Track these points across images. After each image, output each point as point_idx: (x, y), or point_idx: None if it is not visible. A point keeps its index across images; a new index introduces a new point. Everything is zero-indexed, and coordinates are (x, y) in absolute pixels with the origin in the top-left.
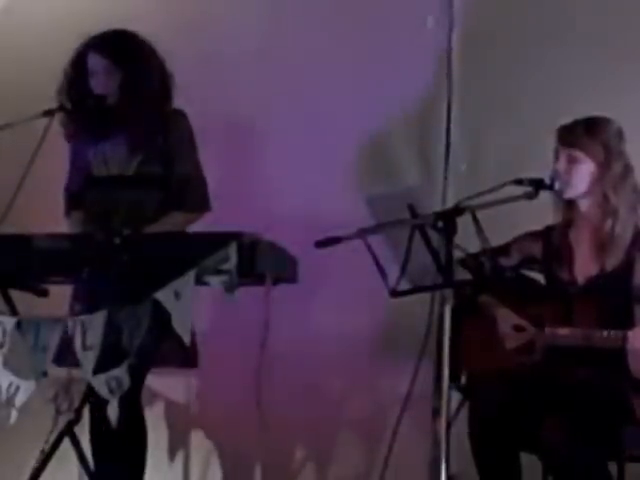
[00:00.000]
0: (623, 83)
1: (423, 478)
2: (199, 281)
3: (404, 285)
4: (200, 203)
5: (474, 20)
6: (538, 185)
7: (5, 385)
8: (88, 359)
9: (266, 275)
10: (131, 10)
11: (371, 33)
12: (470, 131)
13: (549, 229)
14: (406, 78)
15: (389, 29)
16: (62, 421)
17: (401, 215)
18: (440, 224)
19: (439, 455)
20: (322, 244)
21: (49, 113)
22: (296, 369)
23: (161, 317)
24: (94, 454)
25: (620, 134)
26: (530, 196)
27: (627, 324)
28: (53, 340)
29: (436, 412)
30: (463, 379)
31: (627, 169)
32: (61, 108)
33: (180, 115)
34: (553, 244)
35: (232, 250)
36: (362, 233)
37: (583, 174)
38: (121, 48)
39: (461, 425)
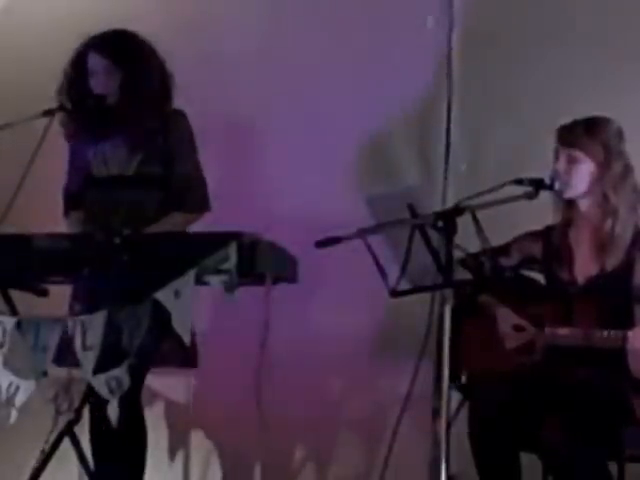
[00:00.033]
0: (623, 83)
1: (423, 478)
2: (199, 281)
3: (404, 285)
4: (200, 203)
5: (474, 20)
6: (538, 185)
7: (5, 385)
8: (88, 359)
9: (266, 275)
10: (131, 10)
11: (371, 33)
12: (470, 131)
13: (549, 229)
14: (406, 78)
15: (389, 29)
16: (62, 421)
17: (401, 215)
18: (440, 224)
19: (439, 455)
20: (322, 244)
21: (49, 113)
22: (296, 369)
23: (161, 317)
24: (94, 454)
25: (620, 134)
26: (530, 196)
27: (627, 324)
28: (53, 340)
29: (436, 412)
30: (463, 379)
31: (627, 169)
32: (61, 108)
33: (180, 115)
34: (553, 244)
35: (232, 250)
36: (362, 233)
37: (583, 174)
38: (121, 48)
39: (461, 425)
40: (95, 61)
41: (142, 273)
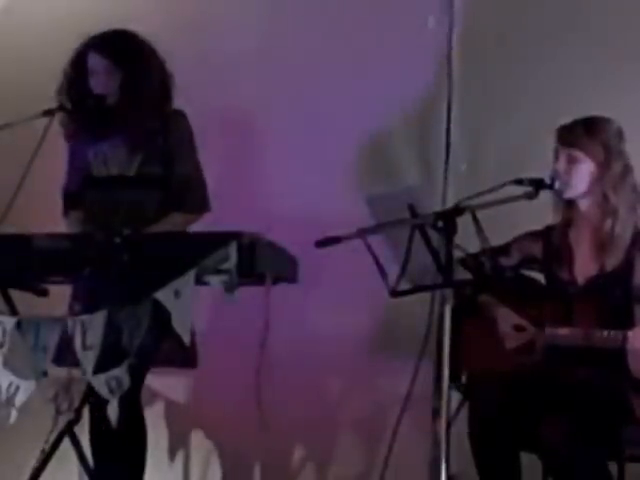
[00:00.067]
0: (623, 83)
1: (423, 478)
2: (199, 281)
3: (404, 285)
4: (200, 204)
5: (474, 20)
6: (538, 185)
7: (5, 385)
8: (88, 359)
9: (266, 275)
10: (131, 10)
11: (371, 33)
12: (470, 131)
13: (549, 229)
14: (406, 78)
15: (389, 29)
16: (62, 421)
17: (401, 215)
18: (440, 224)
19: (439, 455)
20: (322, 244)
21: (49, 113)
22: (296, 369)
23: (161, 317)
24: (94, 454)
25: (620, 134)
26: (530, 196)
27: (627, 324)
28: (53, 340)
29: (436, 412)
30: (463, 379)
31: (627, 169)
32: (61, 108)
33: (180, 115)
34: (553, 244)
35: (232, 250)
36: (362, 233)
37: (583, 174)
38: (121, 48)
39: (461, 425)
40: (95, 61)
41: (142, 273)
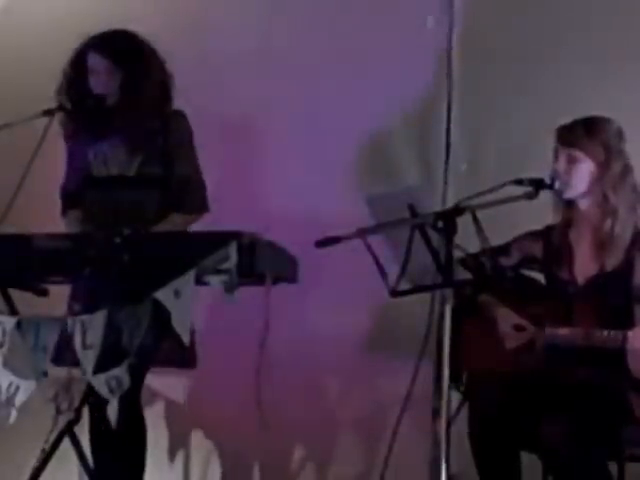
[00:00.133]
0: (623, 83)
1: (423, 478)
2: (199, 281)
3: (404, 285)
4: (199, 204)
5: (474, 20)
6: (538, 185)
7: (5, 385)
8: (88, 358)
9: (266, 275)
10: (131, 10)
11: (371, 33)
12: (470, 131)
13: (549, 229)
14: (406, 78)
15: (389, 29)
16: (62, 421)
17: (401, 215)
18: (440, 224)
19: (439, 455)
20: (322, 244)
21: (49, 113)
22: (296, 369)
23: (161, 317)
24: (94, 454)
25: (620, 134)
26: (530, 196)
27: (627, 324)
28: (53, 340)
29: (436, 412)
30: (463, 379)
31: (627, 169)
32: (61, 108)
33: (180, 116)
34: (553, 244)
35: (232, 250)
36: (362, 233)
37: (583, 174)
38: (121, 48)
39: (461, 425)
40: (95, 61)
41: (142, 273)
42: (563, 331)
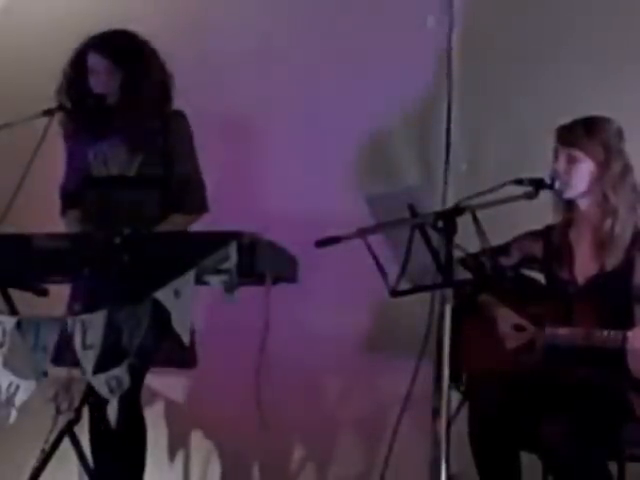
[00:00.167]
0: (623, 83)
1: (423, 478)
2: (199, 281)
3: (404, 285)
4: (199, 204)
5: (474, 20)
6: (538, 185)
7: (5, 385)
8: (88, 358)
9: (266, 275)
10: (131, 10)
11: (371, 33)
12: (470, 131)
13: (549, 228)
14: (406, 78)
15: (389, 29)
16: (62, 420)
17: (401, 215)
18: (440, 224)
19: (439, 455)
20: (322, 244)
21: (49, 113)
22: (296, 369)
23: (161, 317)
24: (94, 454)
25: (620, 133)
26: (530, 196)
27: (627, 324)
28: (53, 340)
29: (436, 412)
30: (463, 379)
31: (626, 168)
32: (61, 108)
33: (180, 116)
34: (553, 244)
35: (232, 249)
36: (362, 233)
37: (583, 174)
38: (121, 48)
39: (461, 425)
40: (95, 61)
41: (142, 273)
42: (563, 331)
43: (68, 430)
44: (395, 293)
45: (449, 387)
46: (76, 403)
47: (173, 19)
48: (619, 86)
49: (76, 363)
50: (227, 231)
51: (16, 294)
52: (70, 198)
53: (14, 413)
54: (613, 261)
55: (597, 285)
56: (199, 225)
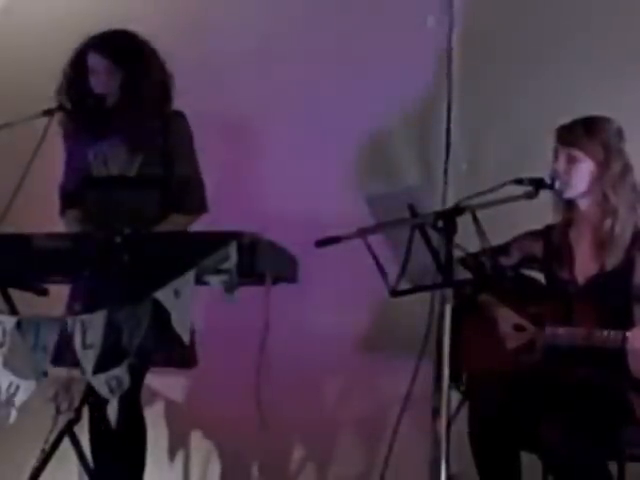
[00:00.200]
0: (623, 83)
1: (423, 478)
2: (199, 281)
3: (404, 285)
4: (198, 205)
5: (474, 20)
6: (538, 185)
7: (5, 385)
8: (88, 358)
9: (266, 275)
10: (131, 10)
11: (371, 33)
12: (470, 131)
13: (549, 228)
14: (406, 78)
15: (389, 29)
16: (62, 420)
17: (401, 215)
18: (440, 224)
19: (439, 455)
20: (322, 243)
21: (49, 113)
22: (296, 369)
23: (161, 317)
24: (94, 454)
25: (619, 133)
26: (530, 196)
27: (627, 324)
28: (53, 340)
29: (436, 412)
30: (463, 379)
31: (626, 168)
32: (61, 108)
33: (180, 116)
34: (553, 243)
35: (232, 249)
36: (362, 233)
37: (583, 173)
38: (121, 48)
39: (461, 425)
40: (95, 61)
41: (142, 273)
42: (563, 331)
43: (68, 430)
44: (395, 293)
45: (449, 387)
46: (76, 403)
47: (173, 19)
48: (619, 86)
49: (76, 363)
50: (227, 231)
51: (16, 294)
52: (69, 198)
53: (14, 413)
54: (613, 261)
55: (597, 285)
56: (199, 225)
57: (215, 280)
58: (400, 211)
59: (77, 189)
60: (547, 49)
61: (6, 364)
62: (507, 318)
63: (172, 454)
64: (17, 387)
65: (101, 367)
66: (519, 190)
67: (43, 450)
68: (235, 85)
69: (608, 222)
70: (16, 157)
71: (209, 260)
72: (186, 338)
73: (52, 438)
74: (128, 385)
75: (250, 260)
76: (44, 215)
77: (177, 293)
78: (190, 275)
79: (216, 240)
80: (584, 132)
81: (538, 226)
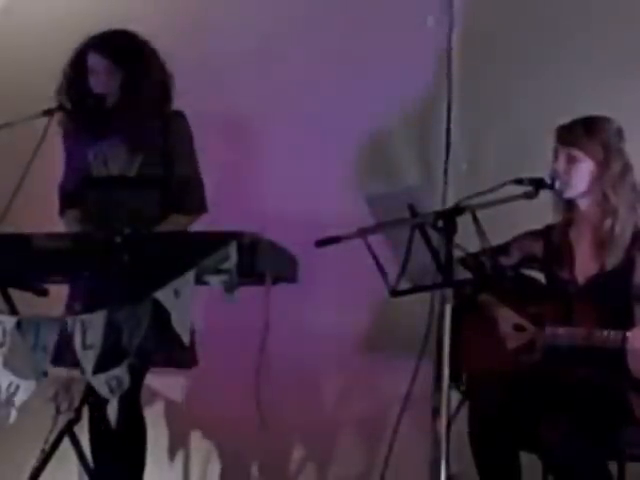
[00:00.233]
0: (623, 83)
1: (423, 478)
2: (199, 280)
3: (404, 285)
4: (198, 205)
5: (474, 20)
6: (538, 184)
7: (5, 385)
8: (88, 358)
9: (266, 275)
10: (131, 10)
11: (371, 33)
12: (470, 131)
13: (549, 228)
14: (406, 78)
15: (389, 29)
16: (62, 420)
17: (401, 215)
18: (440, 224)
19: (439, 455)
20: (322, 243)
21: (48, 113)
22: (296, 369)
23: (161, 317)
24: (94, 454)
25: (619, 133)
26: (530, 195)
27: (627, 324)
28: (53, 340)
29: (436, 412)
30: (463, 379)
31: (626, 168)
32: (60, 108)
33: (180, 116)
34: (553, 243)
35: (232, 249)
36: (362, 233)
37: (582, 173)
38: (121, 48)
39: (461, 425)
40: (95, 61)
41: (142, 273)
42: (563, 331)
43: (68, 430)
44: (395, 293)
45: (449, 387)
46: (76, 403)
47: (173, 19)
48: (619, 86)
49: (76, 363)
50: (227, 231)
51: (16, 294)
52: (69, 198)
53: (14, 413)
54: (613, 261)
55: (597, 285)
56: (199, 225)
57: (215, 280)
58: (400, 211)
59: (77, 189)
60: (547, 49)
61: (6, 364)
62: (507, 318)
63: (172, 454)
64: (17, 387)
65: (101, 367)
66: (519, 190)
67: (43, 450)
68: (235, 85)
69: (608, 222)
70: (16, 157)
71: (209, 260)
72: (186, 338)
73: (52, 438)
74: (128, 385)
75: (250, 260)
76: (44, 215)
77: (177, 293)
78: (190, 275)
79: (216, 240)
80: (584, 132)
81: (538, 226)
